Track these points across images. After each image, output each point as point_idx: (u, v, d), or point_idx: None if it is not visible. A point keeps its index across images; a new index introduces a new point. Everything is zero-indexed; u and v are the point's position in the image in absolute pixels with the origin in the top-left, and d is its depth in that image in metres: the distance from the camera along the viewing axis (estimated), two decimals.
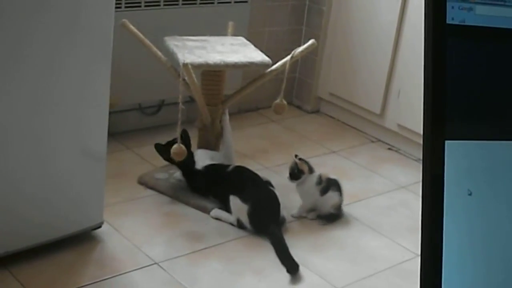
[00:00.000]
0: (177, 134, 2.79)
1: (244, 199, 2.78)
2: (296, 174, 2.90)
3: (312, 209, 2.96)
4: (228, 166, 2.96)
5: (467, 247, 0.73)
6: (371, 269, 2.67)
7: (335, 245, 2.80)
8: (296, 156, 2.96)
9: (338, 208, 2.96)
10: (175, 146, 2.80)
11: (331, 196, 2.92)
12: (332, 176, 2.98)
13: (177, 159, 2.84)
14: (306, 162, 2.94)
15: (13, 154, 2.28)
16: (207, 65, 2.84)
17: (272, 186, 2.87)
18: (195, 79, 2.82)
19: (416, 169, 3.50)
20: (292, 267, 2.57)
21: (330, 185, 2.93)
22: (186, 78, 2.79)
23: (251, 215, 2.76)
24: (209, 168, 2.95)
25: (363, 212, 3.06)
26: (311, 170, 2.93)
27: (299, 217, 2.94)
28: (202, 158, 2.97)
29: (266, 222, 2.78)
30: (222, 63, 2.86)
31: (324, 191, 2.91)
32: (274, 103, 2.98)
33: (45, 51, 2.23)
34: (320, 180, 2.92)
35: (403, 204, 3.16)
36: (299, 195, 2.94)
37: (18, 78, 2.20)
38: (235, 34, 3.28)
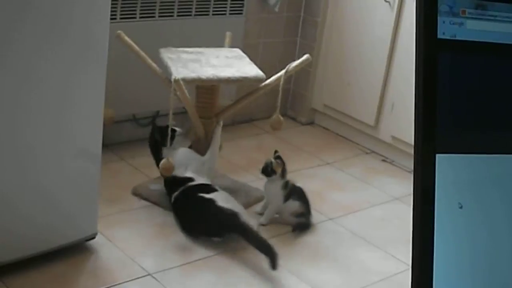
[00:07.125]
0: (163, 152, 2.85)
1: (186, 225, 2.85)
2: (268, 171, 2.93)
3: (276, 213, 2.99)
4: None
5: (458, 260, 0.73)
6: (365, 281, 2.66)
7: (328, 257, 2.80)
8: (276, 152, 2.99)
9: (299, 216, 2.95)
10: (163, 161, 2.79)
11: (291, 204, 2.94)
12: (298, 185, 3.00)
13: (165, 174, 2.85)
14: (283, 165, 2.96)
15: (7, 164, 2.27)
16: (199, 80, 2.83)
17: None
18: (187, 94, 2.81)
19: (409, 181, 3.45)
20: (271, 257, 2.57)
21: (292, 193, 2.95)
22: (178, 93, 2.79)
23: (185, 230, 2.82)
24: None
25: (356, 223, 3.06)
26: (283, 174, 2.96)
27: (268, 223, 2.95)
28: (182, 163, 2.94)
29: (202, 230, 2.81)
30: (215, 78, 2.85)
31: (286, 198, 2.94)
32: (271, 119, 2.97)
33: (40, 63, 2.23)
34: (286, 185, 2.96)
35: (396, 216, 3.16)
36: (266, 196, 2.98)
37: (11, 89, 2.20)
38: (231, 45, 3.27)
